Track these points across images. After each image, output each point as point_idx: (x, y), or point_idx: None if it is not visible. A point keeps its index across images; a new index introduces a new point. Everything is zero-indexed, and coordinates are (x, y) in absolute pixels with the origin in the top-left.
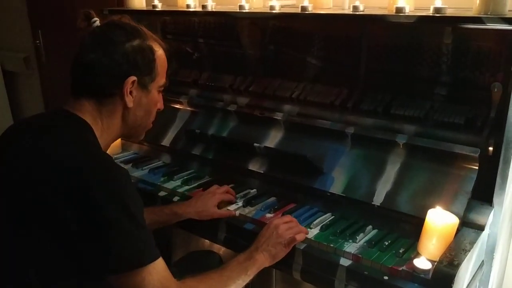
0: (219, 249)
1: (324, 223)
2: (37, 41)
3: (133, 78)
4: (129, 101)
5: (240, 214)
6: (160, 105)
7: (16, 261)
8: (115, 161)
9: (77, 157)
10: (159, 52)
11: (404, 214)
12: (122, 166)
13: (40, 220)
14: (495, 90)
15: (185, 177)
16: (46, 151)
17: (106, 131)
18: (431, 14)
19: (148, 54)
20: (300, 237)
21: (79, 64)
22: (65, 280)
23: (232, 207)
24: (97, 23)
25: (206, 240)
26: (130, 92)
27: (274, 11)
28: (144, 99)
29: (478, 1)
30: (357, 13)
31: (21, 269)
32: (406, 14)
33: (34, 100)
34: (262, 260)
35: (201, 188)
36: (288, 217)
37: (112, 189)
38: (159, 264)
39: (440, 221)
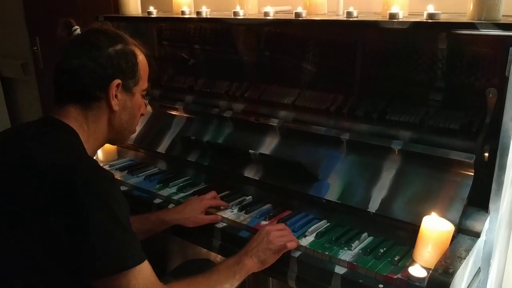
0: (216, 257)
1: (319, 230)
2: (35, 48)
3: (118, 81)
4: (115, 104)
5: (235, 221)
6: (143, 109)
7: (0, 265)
8: (111, 168)
9: (61, 161)
10: (141, 56)
11: (400, 221)
12: (118, 173)
13: (25, 224)
14: (490, 95)
15: (181, 184)
16: (31, 156)
17: (92, 136)
18: (424, 20)
19: (131, 58)
20: (291, 245)
21: (63, 71)
22: (50, 285)
23: (226, 214)
24: (78, 31)
25: (203, 248)
26: (115, 96)
27: (268, 18)
28: (128, 103)
29: (471, 7)
30: (351, 19)
31: (5, 273)
32: (400, 20)
33: (32, 106)
34: (250, 265)
35: (196, 196)
36: (281, 225)
37: (96, 192)
38: (145, 268)
39: (435, 229)
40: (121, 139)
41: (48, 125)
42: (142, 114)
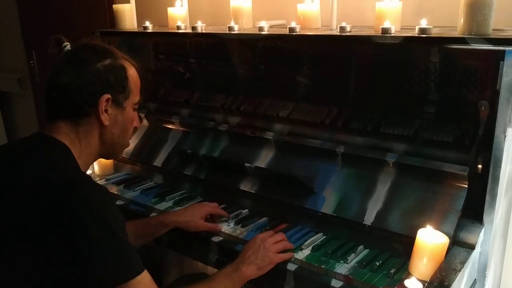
0: (212, 271)
1: (315, 243)
2: (31, 62)
3: (107, 96)
4: (105, 119)
5: (231, 235)
6: (136, 123)
7: None
8: (107, 182)
9: (55, 176)
10: (131, 70)
11: (395, 233)
12: (114, 187)
13: (18, 239)
14: (482, 108)
15: (177, 198)
16: (25, 172)
17: (84, 152)
18: (416, 35)
19: (120, 72)
20: (288, 255)
21: (53, 87)
22: None
23: (223, 227)
24: (68, 47)
25: (199, 262)
26: (106, 110)
27: (263, 32)
28: (119, 117)
29: (462, 22)
30: (344, 34)
31: None
32: (392, 35)
33: (28, 120)
34: (249, 272)
35: (192, 203)
36: (271, 232)
37: (90, 206)
38: (144, 278)
39: (430, 241)
40: (114, 153)
41: (40, 141)
42: (135, 128)
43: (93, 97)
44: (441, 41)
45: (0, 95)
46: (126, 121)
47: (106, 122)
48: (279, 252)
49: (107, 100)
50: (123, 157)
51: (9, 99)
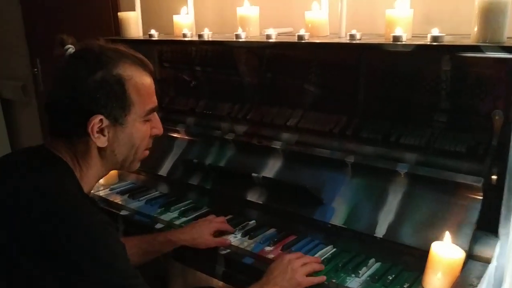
0: (218, 283)
1: (325, 256)
2: (35, 69)
3: (99, 117)
4: (100, 141)
5: (238, 247)
6: (156, 130)
7: None
8: (112, 191)
9: (47, 207)
10: (134, 78)
11: (408, 246)
12: (119, 197)
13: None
14: (496, 117)
15: (183, 208)
16: (18, 197)
17: (86, 173)
18: (428, 43)
19: (114, 87)
20: (319, 279)
21: (46, 103)
22: None
23: (230, 239)
24: (71, 50)
25: (204, 275)
26: (102, 130)
27: (270, 40)
28: (121, 134)
29: (476, 29)
30: (354, 41)
31: None
32: (404, 42)
33: (31, 128)
34: None
35: (199, 220)
36: (300, 253)
37: (82, 241)
38: None
39: (446, 255)
40: (123, 168)
41: (41, 159)
42: (156, 135)
43: (82, 119)
44: (455, 49)
45: (3, 103)
46: (132, 137)
47: (102, 144)
48: (308, 275)
49: (101, 120)
50: None
51: (12, 107)
